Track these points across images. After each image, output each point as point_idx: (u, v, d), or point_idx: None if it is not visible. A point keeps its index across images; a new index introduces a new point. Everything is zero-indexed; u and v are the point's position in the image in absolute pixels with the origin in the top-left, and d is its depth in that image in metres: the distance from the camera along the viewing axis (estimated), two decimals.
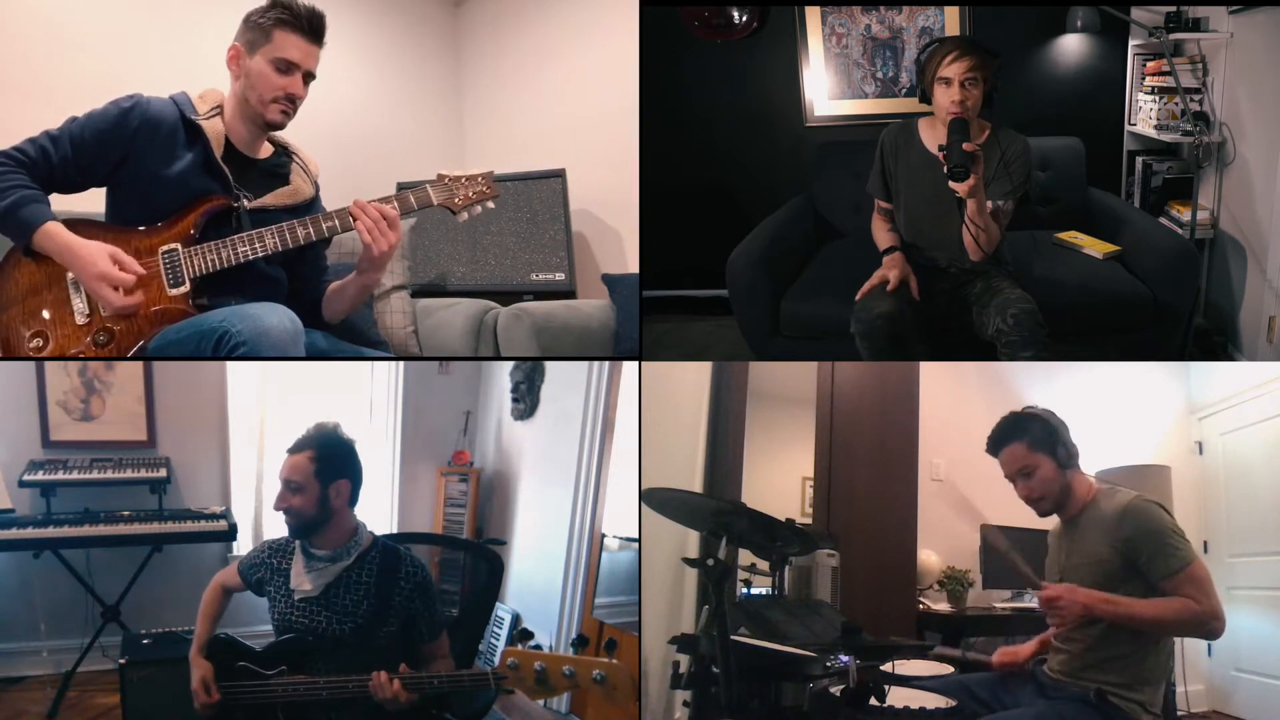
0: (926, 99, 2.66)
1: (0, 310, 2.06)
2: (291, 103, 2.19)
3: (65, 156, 2.09)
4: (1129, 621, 1.80)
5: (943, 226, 2.72)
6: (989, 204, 2.59)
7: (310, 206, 2.34)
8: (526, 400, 3.72)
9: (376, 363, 3.91)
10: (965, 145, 2.44)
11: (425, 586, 1.95)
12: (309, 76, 2.21)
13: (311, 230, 2.16)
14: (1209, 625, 1.76)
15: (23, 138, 2.09)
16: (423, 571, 1.96)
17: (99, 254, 2.00)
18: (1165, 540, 1.79)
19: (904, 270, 2.69)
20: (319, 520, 1.92)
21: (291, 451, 1.94)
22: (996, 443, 1.99)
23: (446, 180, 2.29)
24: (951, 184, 2.47)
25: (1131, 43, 3.75)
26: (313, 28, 2.17)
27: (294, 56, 2.15)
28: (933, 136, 2.70)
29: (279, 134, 2.32)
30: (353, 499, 1.97)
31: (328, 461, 1.92)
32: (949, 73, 2.53)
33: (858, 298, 2.69)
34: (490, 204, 2.32)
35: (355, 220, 2.16)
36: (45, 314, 2.06)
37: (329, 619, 1.89)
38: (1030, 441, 1.94)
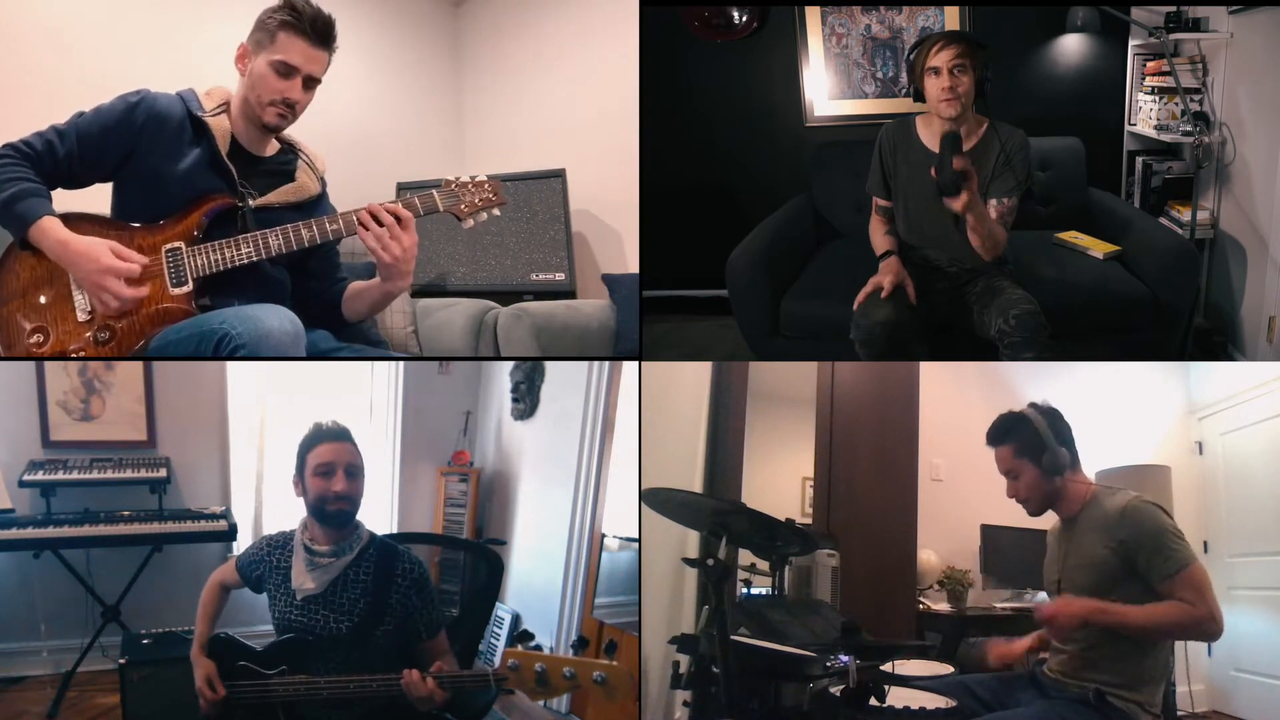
0: (920, 96, 2.65)
1: (0, 304, 2.05)
2: (289, 107, 2.16)
3: (71, 151, 2.08)
4: (1125, 629, 1.80)
5: (942, 225, 2.71)
6: (994, 201, 2.61)
7: (317, 203, 2.33)
8: (526, 400, 3.72)
9: (376, 363, 3.91)
10: (955, 162, 2.42)
11: (422, 583, 1.94)
12: (312, 81, 2.18)
13: (316, 233, 2.14)
14: (1205, 628, 1.75)
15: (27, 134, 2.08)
16: (420, 568, 1.96)
17: (99, 249, 1.98)
18: (1163, 542, 1.79)
19: (899, 275, 2.68)
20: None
21: (335, 439, 1.93)
22: (990, 440, 2.02)
23: (453, 186, 2.27)
24: (945, 200, 2.47)
25: (1131, 43, 3.75)
26: (317, 31, 2.14)
27: (295, 60, 2.12)
28: (930, 133, 2.70)
29: (285, 131, 2.30)
30: None
31: (361, 456, 1.96)
32: (937, 62, 2.53)
33: (855, 306, 2.68)
34: (496, 211, 2.30)
35: (363, 228, 2.13)
36: (46, 310, 2.05)
37: (328, 617, 1.88)
38: (1016, 447, 1.96)
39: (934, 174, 2.48)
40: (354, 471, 1.92)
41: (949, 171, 2.42)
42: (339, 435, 1.94)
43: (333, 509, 1.91)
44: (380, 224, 2.13)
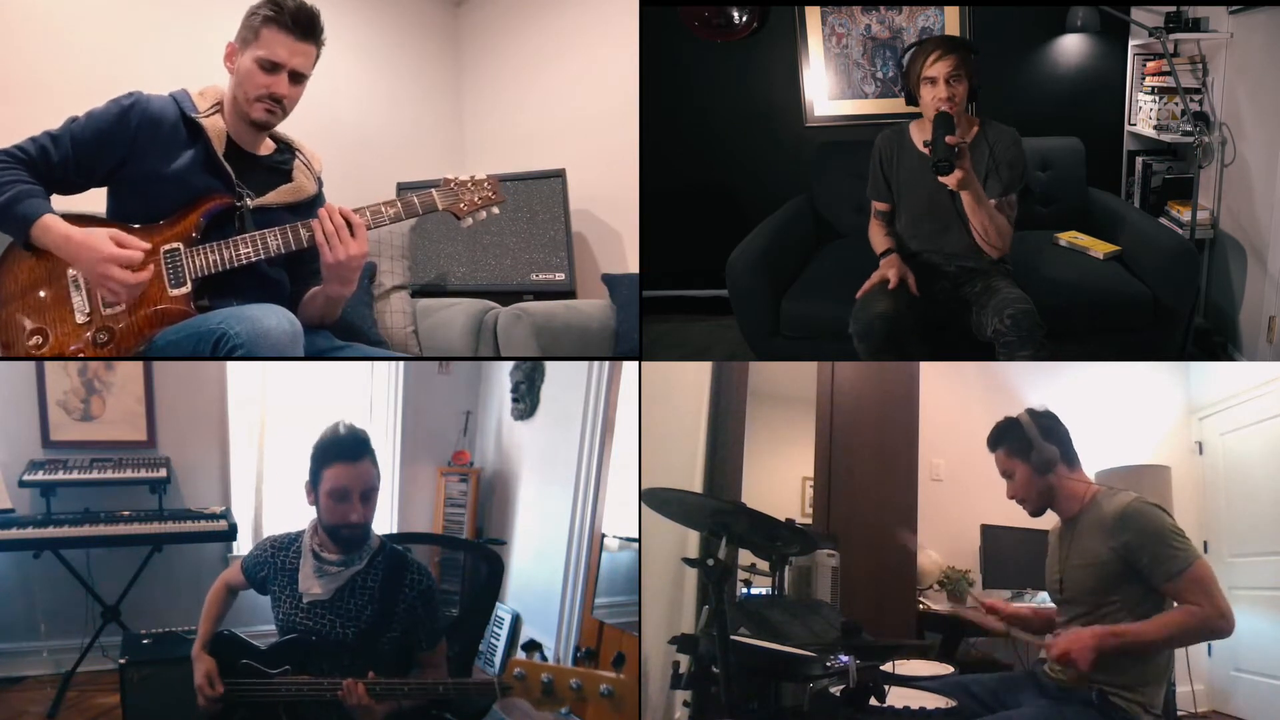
0: (913, 100, 2.69)
1: (0, 305, 2.05)
2: (277, 103, 2.15)
3: (65, 156, 2.08)
4: (1139, 649, 1.78)
5: (940, 226, 2.74)
6: (990, 201, 2.61)
7: (313, 203, 2.32)
8: (526, 400, 3.72)
9: (376, 363, 3.91)
10: (948, 139, 2.46)
11: (429, 594, 1.94)
12: (298, 76, 2.16)
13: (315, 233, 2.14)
14: (1216, 626, 1.74)
15: (22, 138, 2.08)
16: (428, 579, 1.95)
17: (100, 238, 1.98)
18: (1165, 542, 1.79)
19: (902, 270, 2.71)
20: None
21: (351, 458, 1.84)
22: (989, 446, 2.06)
23: (451, 185, 2.27)
24: (940, 179, 2.50)
25: (1131, 43, 3.75)
26: (299, 25, 2.11)
27: (279, 56, 2.11)
28: (923, 137, 2.72)
29: (282, 130, 2.30)
30: None
31: (378, 468, 1.90)
32: (933, 72, 2.58)
33: (858, 296, 2.69)
34: (495, 209, 2.29)
35: (318, 222, 2.10)
36: (45, 311, 2.05)
37: (333, 622, 1.88)
38: (1007, 449, 2.01)
39: (928, 153, 2.51)
40: (369, 495, 1.86)
41: (942, 148, 2.45)
42: (355, 454, 1.85)
43: (347, 534, 1.89)
44: (331, 223, 2.10)
